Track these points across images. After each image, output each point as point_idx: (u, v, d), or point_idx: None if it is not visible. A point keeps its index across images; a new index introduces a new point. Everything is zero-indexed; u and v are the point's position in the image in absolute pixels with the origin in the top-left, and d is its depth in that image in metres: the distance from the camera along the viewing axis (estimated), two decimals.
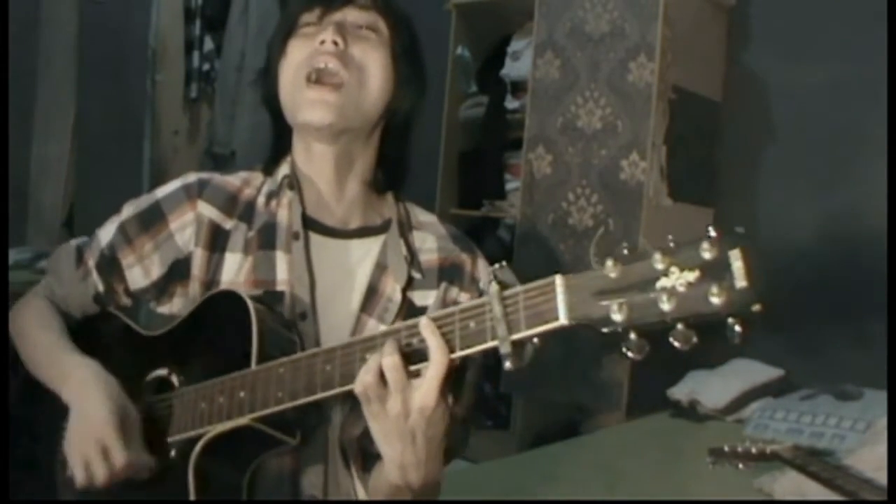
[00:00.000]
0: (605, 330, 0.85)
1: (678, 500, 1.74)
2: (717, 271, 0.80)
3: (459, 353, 0.94)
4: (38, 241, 3.66)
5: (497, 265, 0.93)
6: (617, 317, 0.84)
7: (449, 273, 1.21)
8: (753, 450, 1.74)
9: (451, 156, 3.42)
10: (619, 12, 2.80)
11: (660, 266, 0.83)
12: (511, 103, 3.24)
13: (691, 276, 0.81)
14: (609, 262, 0.85)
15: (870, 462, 1.62)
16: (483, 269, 1.24)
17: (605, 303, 0.85)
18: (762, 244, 3.03)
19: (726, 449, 1.76)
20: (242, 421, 1.03)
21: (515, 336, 0.89)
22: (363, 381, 0.95)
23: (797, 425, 2.15)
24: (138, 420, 1.10)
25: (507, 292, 0.91)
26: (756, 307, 0.79)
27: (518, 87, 3.21)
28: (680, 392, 2.49)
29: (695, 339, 0.82)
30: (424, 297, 1.19)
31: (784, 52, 2.92)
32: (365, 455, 1.17)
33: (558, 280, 0.88)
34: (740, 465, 1.73)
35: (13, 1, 3.02)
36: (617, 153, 2.80)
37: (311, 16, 1.18)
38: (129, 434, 1.07)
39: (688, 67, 2.84)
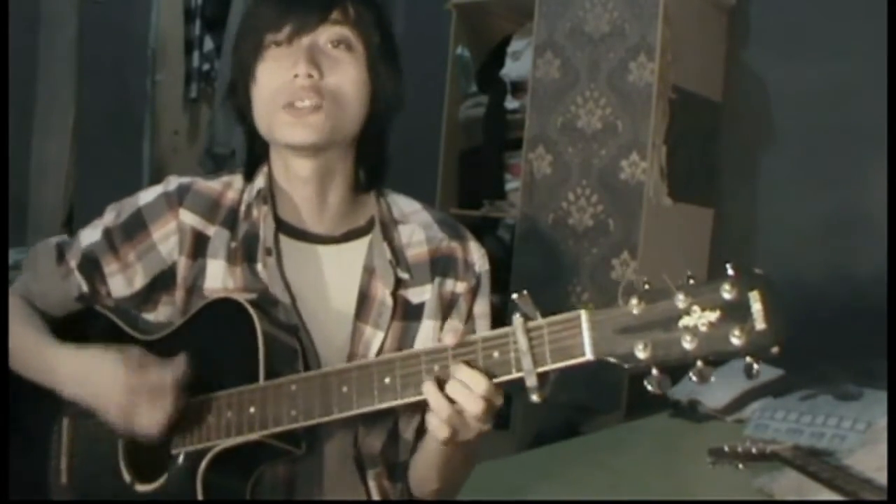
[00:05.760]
0: (627, 366, 0.87)
1: (678, 500, 1.74)
2: (737, 312, 0.83)
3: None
4: (38, 241, 3.65)
5: (517, 294, 0.93)
6: (641, 354, 0.86)
7: (441, 266, 1.20)
8: (753, 450, 1.73)
9: (451, 156, 3.42)
10: (619, 12, 2.80)
11: (682, 305, 0.85)
12: (511, 103, 3.24)
13: (712, 316, 0.84)
14: (633, 300, 0.87)
15: (870, 462, 1.62)
16: (475, 252, 1.23)
17: (629, 340, 0.87)
18: (761, 244, 3.03)
19: (726, 449, 1.76)
20: (253, 437, 1.03)
21: (541, 369, 0.91)
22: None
23: (797, 425, 2.15)
24: (141, 350, 1.08)
25: (532, 324, 0.92)
26: (775, 349, 0.83)
27: (518, 87, 3.21)
28: (680, 392, 2.49)
29: (713, 378, 0.85)
30: (420, 294, 1.18)
31: (784, 52, 2.92)
32: (391, 466, 1.19)
33: (583, 315, 0.90)
34: (740, 465, 1.72)
35: (13, 1, 3.02)
36: (617, 153, 2.80)
37: (279, 35, 1.11)
38: (149, 363, 1.06)
39: (688, 67, 2.84)
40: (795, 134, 2.91)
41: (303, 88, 1.09)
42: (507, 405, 3.28)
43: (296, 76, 1.09)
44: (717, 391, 2.43)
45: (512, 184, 3.22)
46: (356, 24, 1.12)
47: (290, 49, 1.11)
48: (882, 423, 1.81)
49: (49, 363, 1.13)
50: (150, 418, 1.04)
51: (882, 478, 1.52)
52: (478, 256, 1.23)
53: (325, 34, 1.11)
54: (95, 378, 1.07)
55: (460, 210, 3.35)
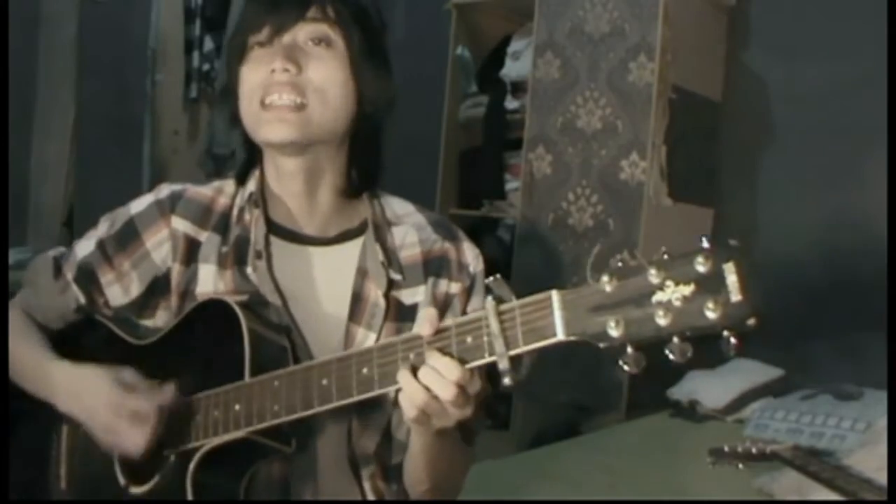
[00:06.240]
0: (602, 345, 0.85)
1: (678, 500, 1.74)
2: (712, 285, 0.80)
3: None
4: (38, 241, 3.65)
5: (492, 278, 0.92)
6: (614, 332, 0.84)
7: (435, 266, 1.20)
8: (753, 450, 1.74)
9: (451, 156, 3.42)
10: (619, 12, 2.80)
11: (655, 280, 0.83)
12: (511, 103, 3.24)
13: (686, 290, 0.81)
14: (604, 277, 0.85)
15: (870, 462, 1.62)
16: (469, 252, 1.23)
17: (601, 318, 0.85)
18: (761, 244, 3.02)
19: (726, 449, 1.76)
20: (239, 434, 1.03)
21: (513, 352, 0.90)
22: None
23: (797, 425, 2.15)
24: (132, 372, 1.09)
25: (504, 307, 0.91)
26: (751, 321, 0.80)
27: (518, 87, 3.21)
28: (680, 392, 2.49)
29: (690, 353, 0.82)
30: (412, 295, 1.18)
31: (784, 52, 2.92)
32: (385, 467, 1.19)
33: (554, 295, 0.88)
34: (740, 465, 1.73)
35: (13, 1, 3.02)
36: (617, 153, 2.80)
37: (260, 36, 1.12)
38: (137, 387, 1.07)
39: (688, 67, 2.84)
40: (795, 134, 2.91)
41: (279, 84, 1.09)
42: (507, 405, 3.26)
43: (273, 71, 1.10)
44: (717, 391, 2.44)
45: (512, 184, 3.22)
46: (335, 21, 1.13)
47: (271, 49, 1.12)
48: (882, 423, 1.81)
49: (46, 377, 1.14)
50: (130, 440, 1.05)
51: (882, 478, 1.52)
52: (472, 257, 1.23)
53: (304, 32, 1.12)
54: (86, 395, 1.09)
55: (460, 210, 3.35)
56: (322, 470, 1.15)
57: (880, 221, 2.55)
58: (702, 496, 1.73)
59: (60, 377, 1.13)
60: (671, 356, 0.83)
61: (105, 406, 1.06)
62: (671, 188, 2.79)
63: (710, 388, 2.44)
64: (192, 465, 1.06)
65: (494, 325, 0.90)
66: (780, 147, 2.96)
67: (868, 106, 2.69)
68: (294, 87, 1.10)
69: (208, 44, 3.80)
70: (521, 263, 3.01)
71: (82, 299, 1.20)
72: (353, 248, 1.18)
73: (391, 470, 1.19)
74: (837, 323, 2.64)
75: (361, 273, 1.17)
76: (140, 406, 1.05)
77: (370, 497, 1.17)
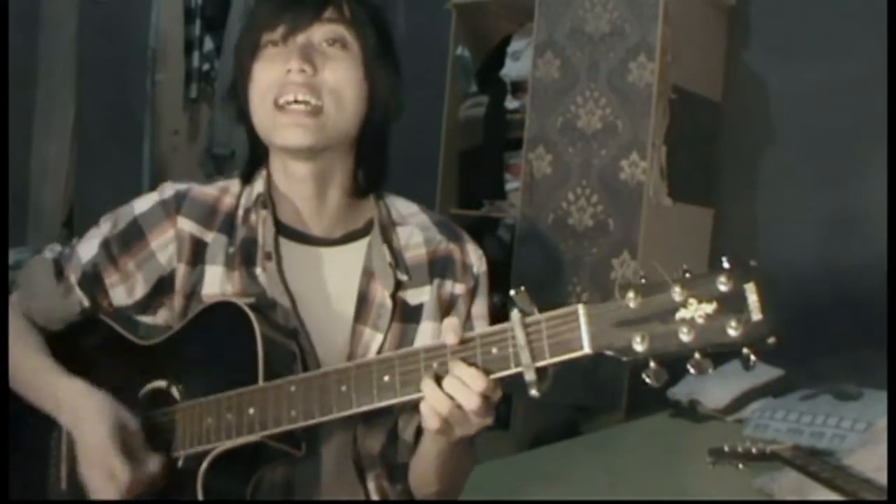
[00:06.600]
0: (625, 359, 0.88)
1: (678, 500, 1.74)
2: (733, 304, 0.84)
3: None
4: (38, 241, 3.66)
5: (514, 291, 0.93)
6: (639, 347, 0.87)
7: (440, 267, 1.20)
8: (753, 450, 1.73)
9: (451, 156, 3.42)
10: (619, 12, 2.80)
11: (678, 298, 0.86)
12: (511, 103, 3.24)
13: (709, 307, 0.85)
14: (629, 293, 0.87)
15: (870, 462, 1.62)
16: (473, 253, 1.23)
17: (627, 333, 0.87)
18: (761, 244, 3.02)
19: (726, 449, 1.76)
20: (253, 438, 1.03)
21: (539, 364, 0.92)
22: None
23: (797, 425, 2.15)
24: (139, 429, 1.09)
25: (529, 319, 0.92)
26: (771, 339, 0.83)
27: (518, 87, 3.21)
28: (680, 392, 2.49)
29: (711, 369, 0.86)
30: (418, 296, 1.18)
31: (784, 52, 2.92)
32: (391, 467, 1.19)
33: (581, 309, 0.90)
34: (740, 465, 1.72)
35: (13, 1, 3.02)
36: (617, 153, 2.80)
37: (275, 35, 1.12)
38: (133, 447, 1.07)
39: (688, 67, 2.84)
40: (795, 134, 2.91)
41: (295, 84, 1.09)
42: (507, 405, 3.25)
43: (288, 71, 1.09)
44: (717, 391, 2.43)
45: (512, 184, 3.22)
46: (351, 22, 1.13)
47: (285, 48, 1.12)
48: (882, 423, 1.81)
49: (51, 393, 1.14)
50: (99, 490, 1.06)
51: (882, 478, 1.52)
52: (475, 258, 1.23)
53: (320, 32, 1.12)
54: (85, 424, 1.08)
55: (460, 210, 3.35)
56: (327, 471, 1.15)
57: (880, 222, 2.55)
58: (702, 496, 1.73)
59: (65, 396, 1.12)
60: (691, 370, 0.86)
61: (94, 447, 1.06)
62: (671, 188, 2.79)
63: (710, 388, 2.44)
64: (203, 467, 1.05)
65: (521, 336, 0.92)
66: (780, 147, 2.96)
67: (868, 106, 2.69)
68: (310, 88, 1.09)
69: (208, 44, 3.80)
70: (521, 263, 3.01)
71: (86, 302, 1.19)
72: (358, 248, 1.19)
73: (396, 470, 1.20)
74: (837, 323, 2.64)
75: (367, 274, 1.17)
76: (120, 472, 1.04)
77: (375, 497, 1.17)
